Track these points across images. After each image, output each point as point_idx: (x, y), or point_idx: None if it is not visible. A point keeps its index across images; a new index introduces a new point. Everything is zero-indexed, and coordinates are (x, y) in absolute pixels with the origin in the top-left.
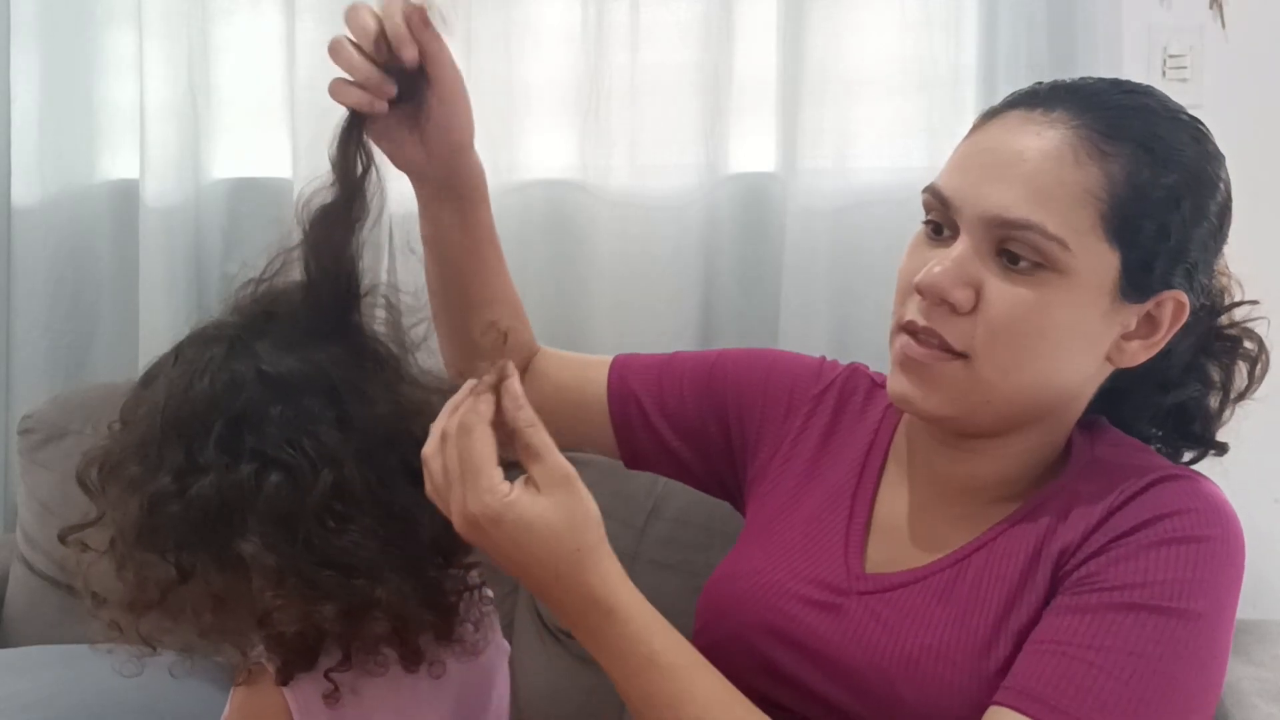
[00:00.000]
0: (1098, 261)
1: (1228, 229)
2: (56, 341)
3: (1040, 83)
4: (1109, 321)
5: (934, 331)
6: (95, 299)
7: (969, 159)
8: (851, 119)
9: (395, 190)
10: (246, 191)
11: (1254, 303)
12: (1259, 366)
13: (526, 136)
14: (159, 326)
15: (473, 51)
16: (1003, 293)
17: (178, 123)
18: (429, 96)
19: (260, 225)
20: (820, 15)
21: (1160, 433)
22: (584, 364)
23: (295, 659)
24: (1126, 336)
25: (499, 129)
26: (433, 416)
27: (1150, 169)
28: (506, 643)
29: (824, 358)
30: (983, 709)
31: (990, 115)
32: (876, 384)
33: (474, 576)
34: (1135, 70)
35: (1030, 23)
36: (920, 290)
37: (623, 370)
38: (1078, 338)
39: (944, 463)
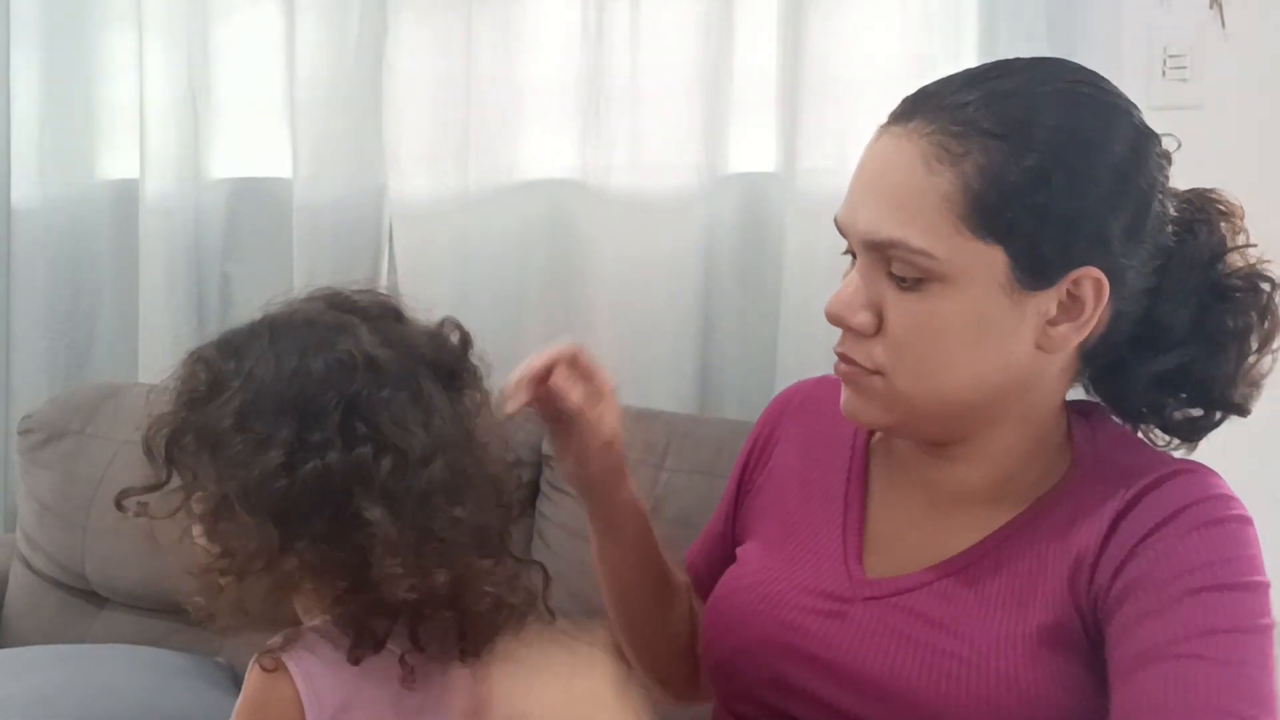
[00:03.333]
0: (977, 260)
1: (1143, 182)
2: (56, 341)
3: (910, 94)
4: (1020, 313)
5: (845, 356)
6: (95, 299)
7: (851, 184)
8: (851, 119)
9: (395, 190)
10: (246, 191)
11: (1249, 245)
12: (1270, 311)
13: (526, 136)
14: (159, 326)
15: (473, 51)
16: (898, 310)
17: (178, 123)
18: (569, 429)
19: (260, 225)
20: (820, 15)
21: (1170, 401)
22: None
23: (364, 639)
24: (1051, 322)
25: (499, 129)
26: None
27: (1004, 155)
28: None
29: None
30: (1000, 710)
31: (876, 134)
32: None
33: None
34: (1135, 70)
35: (1030, 23)
36: (828, 319)
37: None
38: (987, 336)
39: (933, 471)
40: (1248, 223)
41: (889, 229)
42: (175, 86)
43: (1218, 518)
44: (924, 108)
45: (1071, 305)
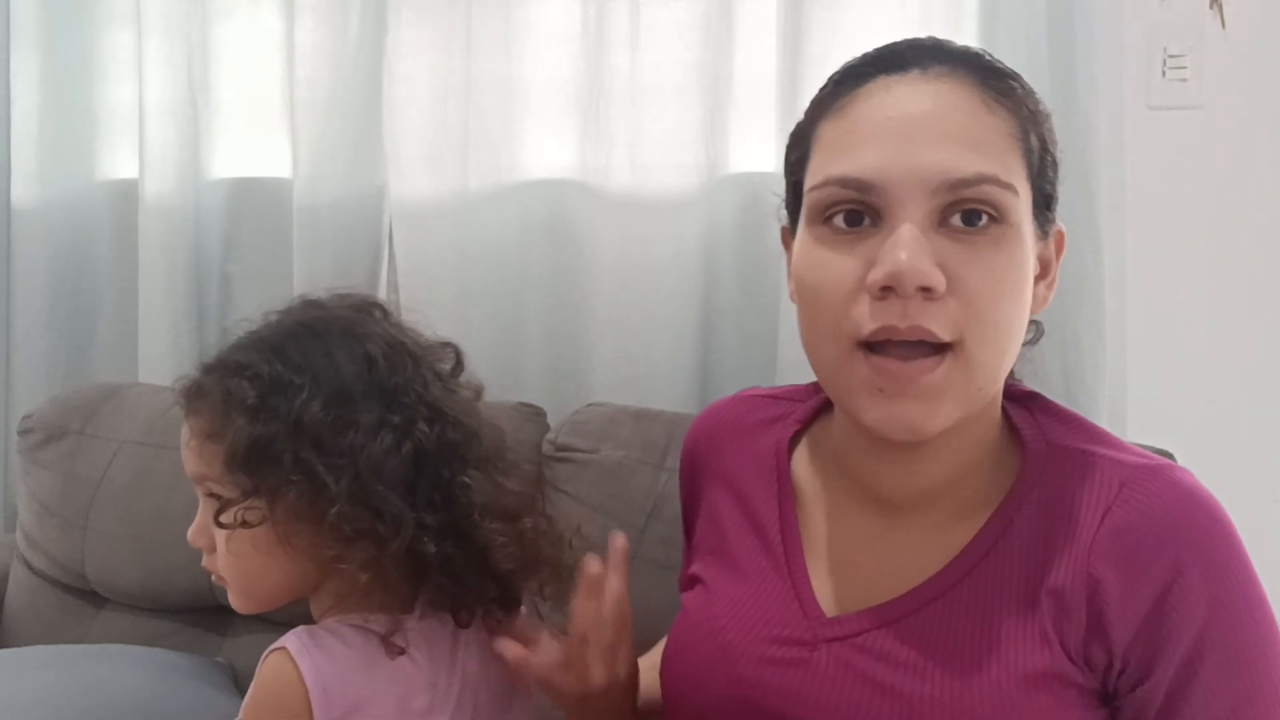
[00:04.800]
0: (1025, 203)
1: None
2: (56, 341)
3: (886, 47)
4: (1033, 265)
5: (920, 329)
6: (95, 299)
7: (873, 135)
8: None
9: (395, 190)
10: (246, 191)
11: None
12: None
13: (526, 136)
14: (159, 326)
15: (473, 51)
16: (972, 263)
17: (177, 123)
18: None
19: (260, 225)
20: (820, 15)
21: None
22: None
23: (464, 604)
24: (1035, 280)
25: (499, 129)
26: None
27: (1028, 105)
28: None
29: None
30: None
31: (850, 88)
32: (774, 397)
33: None
34: (1135, 70)
35: (1030, 22)
36: (897, 281)
37: None
38: (1028, 289)
39: (895, 476)
40: (1247, 221)
41: (975, 164)
42: (175, 86)
43: (1210, 594)
44: (935, 56)
45: (1043, 264)
